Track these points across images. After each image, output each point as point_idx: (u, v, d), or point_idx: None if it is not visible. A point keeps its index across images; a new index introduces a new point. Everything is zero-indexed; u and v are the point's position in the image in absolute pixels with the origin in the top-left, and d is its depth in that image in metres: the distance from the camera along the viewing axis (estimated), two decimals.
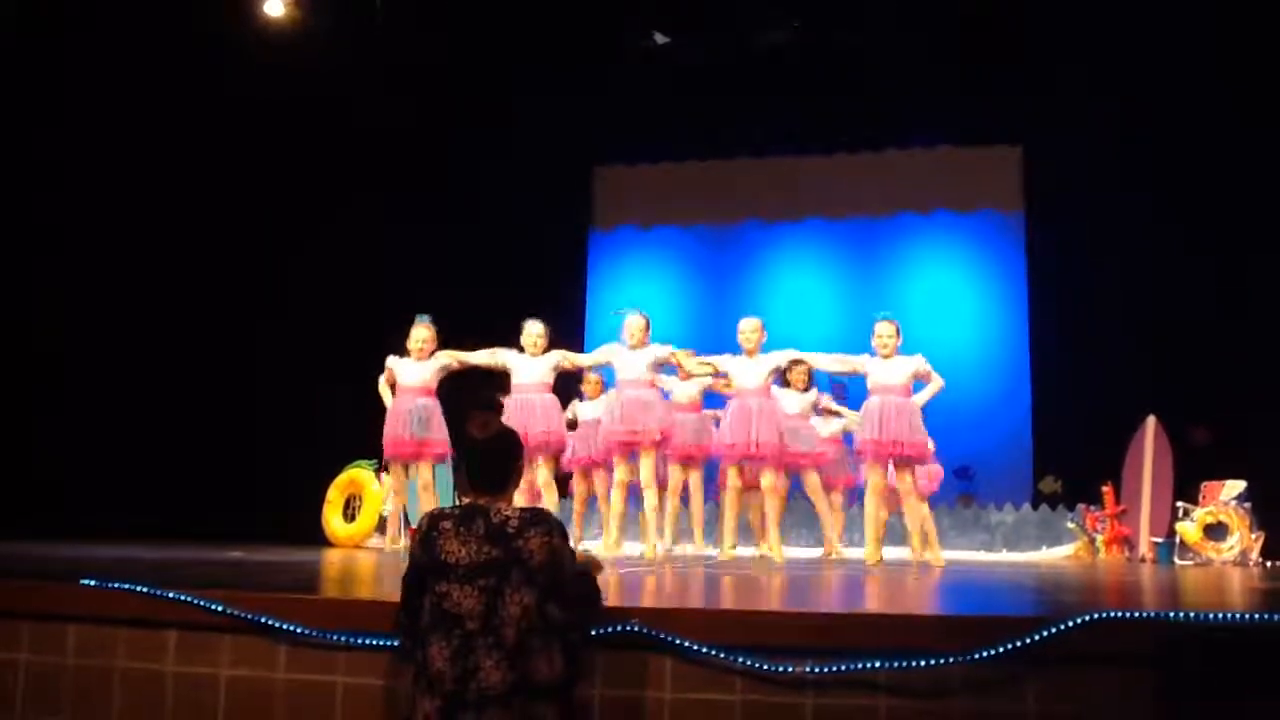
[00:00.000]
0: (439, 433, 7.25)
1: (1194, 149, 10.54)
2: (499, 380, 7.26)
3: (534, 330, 7.15)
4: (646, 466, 6.91)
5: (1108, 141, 11.07)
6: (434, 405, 7.25)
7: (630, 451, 7.03)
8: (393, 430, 7.18)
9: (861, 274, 12.87)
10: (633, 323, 7.03)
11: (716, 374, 7.25)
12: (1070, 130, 11.33)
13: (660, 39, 11.56)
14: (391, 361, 7.30)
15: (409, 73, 11.34)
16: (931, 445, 8.77)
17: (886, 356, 6.68)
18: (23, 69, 9.95)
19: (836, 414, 8.62)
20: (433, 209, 12.08)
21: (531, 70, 11.60)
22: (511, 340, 7.30)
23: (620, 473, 7.11)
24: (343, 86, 11.07)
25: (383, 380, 7.37)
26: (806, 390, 8.11)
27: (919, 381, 6.85)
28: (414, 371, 7.18)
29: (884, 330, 6.74)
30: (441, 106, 11.91)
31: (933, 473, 8.76)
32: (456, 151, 12.20)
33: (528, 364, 7.08)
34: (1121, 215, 11.01)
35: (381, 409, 7.39)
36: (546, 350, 7.18)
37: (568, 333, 11.93)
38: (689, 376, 7.56)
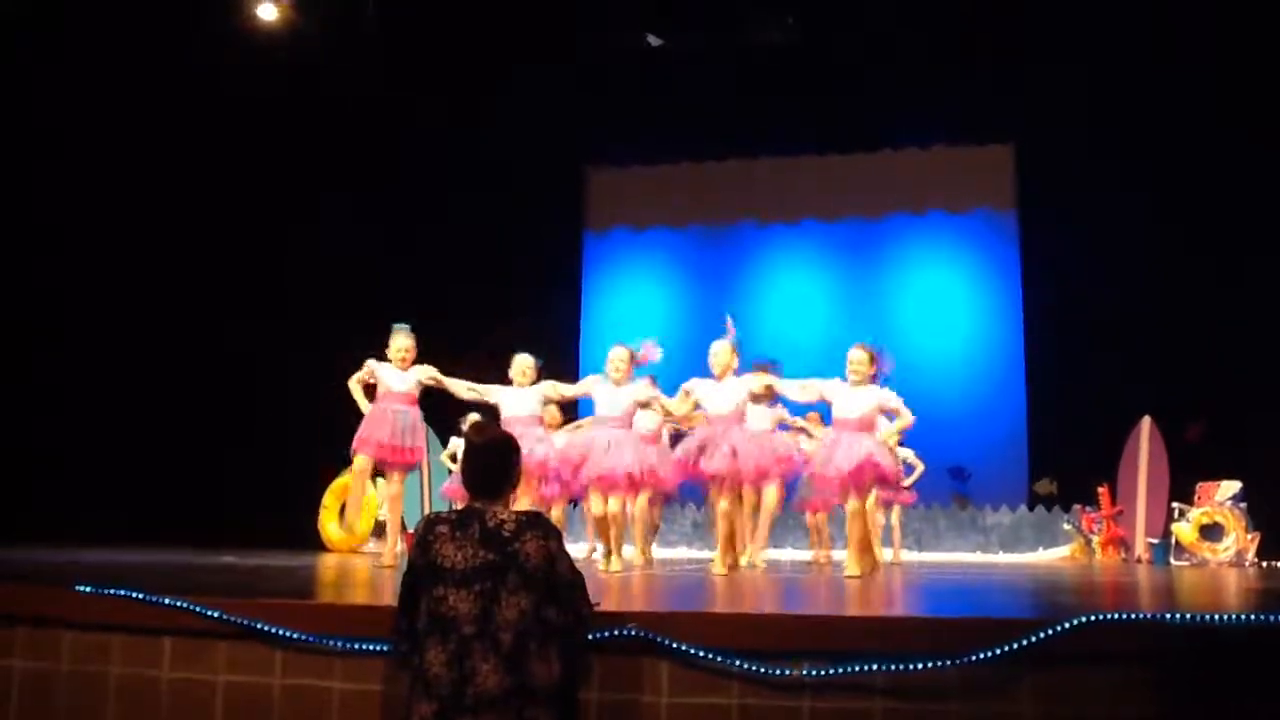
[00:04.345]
0: (418, 440, 7.20)
1: (1187, 148, 10.56)
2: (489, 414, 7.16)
3: (524, 363, 7.06)
4: (615, 503, 6.79)
5: (1101, 141, 11.09)
6: (418, 414, 7.20)
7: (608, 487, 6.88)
8: (371, 431, 6.98)
9: (856, 274, 12.90)
10: (617, 356, 6.89)
11: (697, 408, 7.08)
12: (1063, 130, 11.36)
13: (654, 41, 11.55)
14: (373, 364, 7.15)
15: (402, 75, 11.34)
16: (916, 472, 8.89)
17: (857, 384, 6.39)
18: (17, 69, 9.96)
19: (803, 431, 8.46)
20: (427, 211, 12.07)
21: (525, 72, 11.60)
22: (501, 354, 7.22)
23: (595, 506, 6.96)
24: (335, 88, 11.06)
25: (356, 380, 7.13)
26: (772, 404, 7.97)
27: (890, 415, 6.60)
28: (398, 378, 7.09)
29: (855, 357, 6.40)
30: (435, 109, 11.90)
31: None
32: (451, 154, 12.19)
33: (516, 396, 7.01)
34: (1115, 215, 11.03)
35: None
36: (535, 382, 7.11)
37: (562, 334, 11.98)
38: (667, 417, 7.41)
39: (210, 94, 10.65)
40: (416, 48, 11.22)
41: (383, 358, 7.16)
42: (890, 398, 6.44)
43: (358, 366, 7.24)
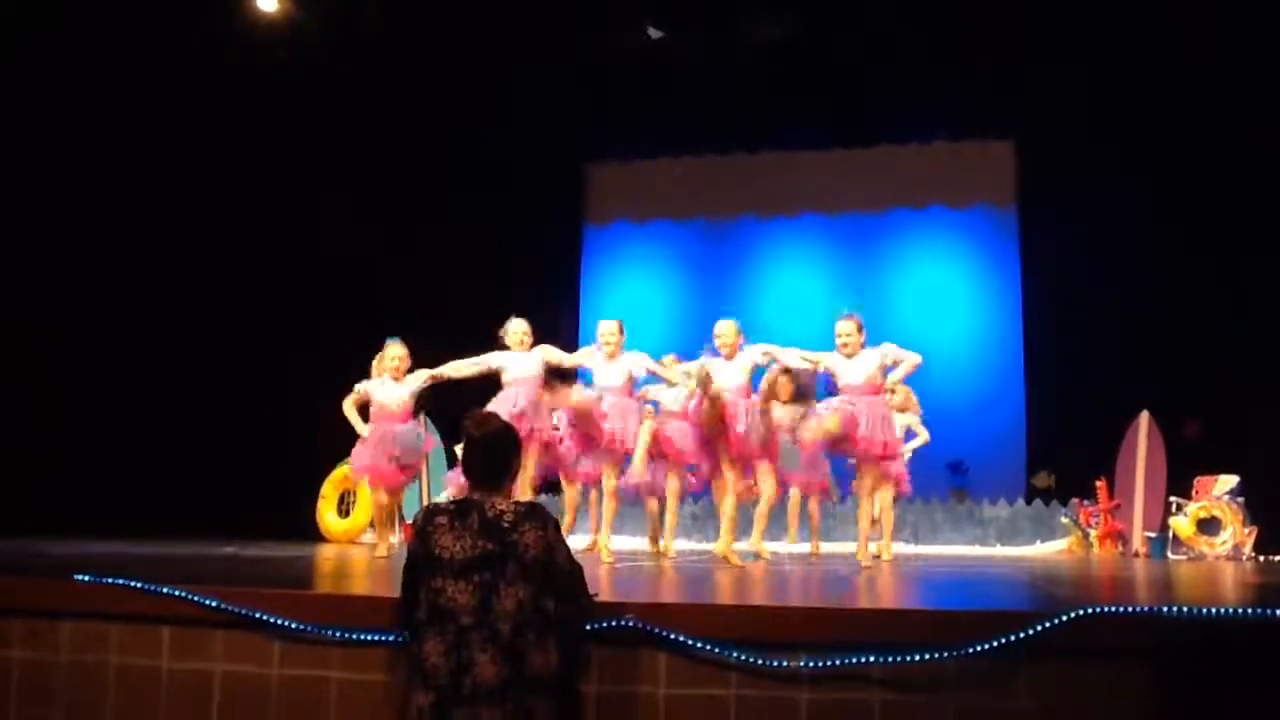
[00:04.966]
0: (417, 459, 7.24)
1: (1187, 144, 10.55)
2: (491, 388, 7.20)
3: (519, 328, 7.08)
4: (610, 474, 6.81)
5: (1101, 139, 11.08)
6: (414, 429, 7.23)
7: (598, 451, 6.92)
8: (375, 460, 7.02)
9: (856, 269, 12.88)
10: (607, 330, 6.93)
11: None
12: (1063, 126, 11.35)
13: (654, 34, 11.54)
14: (365, 385, 7.16)
15: (402, 71, 11.32)
16: (919, 438, 8.67)
17: (850, 355, 6.45)
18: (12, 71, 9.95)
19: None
20: (427, 211, 12.06)
21: (525, 67, 11.58)
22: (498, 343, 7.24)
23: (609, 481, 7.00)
24: (334, 84, 11.05)
25: (350, 403, 7.14)
26: (792, 401, 7.98)
27: (891, 369, 6.63)
28: (392, 393, 7.09)
29: (844, 329, 6.44)
30: (435, 104, 11.88)
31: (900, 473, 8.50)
32: (451, 154, 12.17)
33: (518, 360, 7.02)
34: (1114, 210, 11.03)
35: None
36: (532, 346, 7.14)
37: (563, 328, 11.96)
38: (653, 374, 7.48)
39: (210, 94, 10.63)
40: (416, 48, 11.20)
41: (368, 376, 7.17)
42: (889, 350, 6.45)
43: (355, 367, 7.24)
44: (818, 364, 6.67)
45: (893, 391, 7.22)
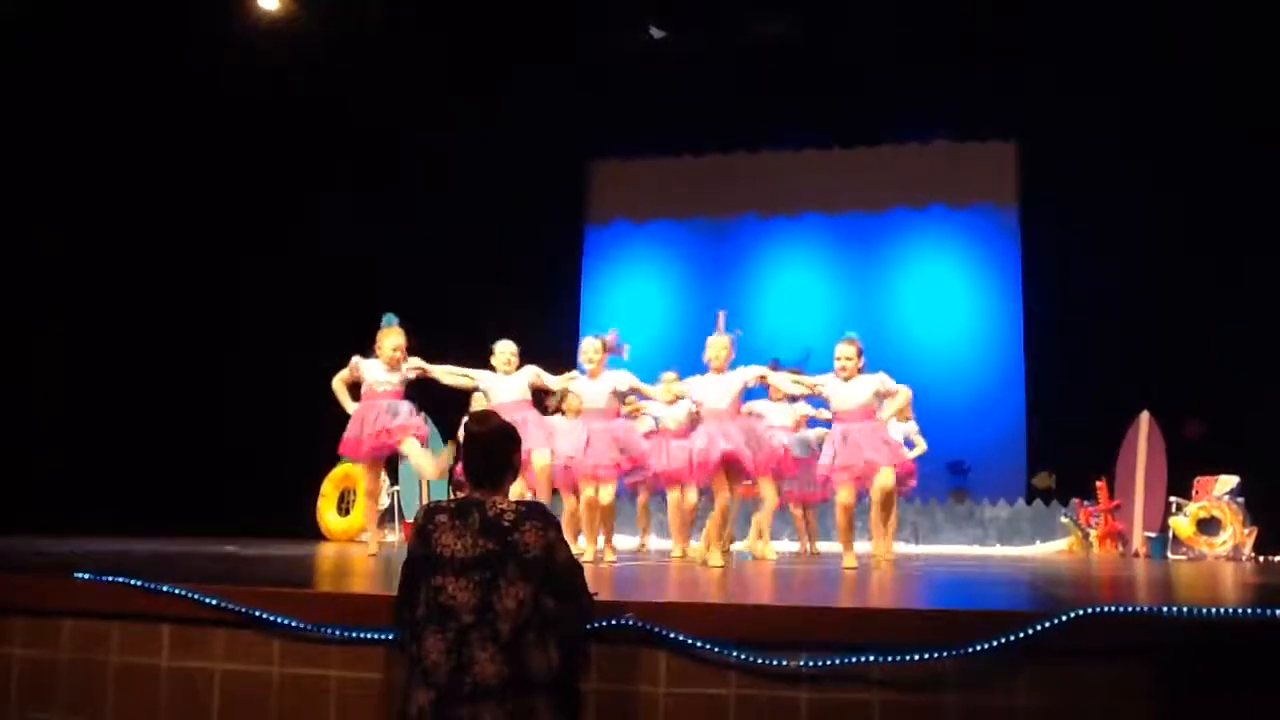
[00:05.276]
0: (408, 418, 7.12)
1: (1188, 145, 10.57)
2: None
3: (507, 349, 7.07)
4: (606, 493, 6.76)
5: (1102, 137, 11.09)
6: (402, 400, 7.14)
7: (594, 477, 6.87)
8: (354, 431, 6.88)
9: (857, 269, 12.90)
10: (589, 347, 6.87)
11: (680, 398, 7.08)
12: (1065, 126, 11.36)
13: (656, 33, 11.55)
14: (359, 362, 7.04)
15: (403, 70, 11.32)
16: (918, 448, 8.65)
17: (847, 379, 6.45)
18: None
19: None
20: (429, 206, 12.06)
21: (525, 66, 11.58)
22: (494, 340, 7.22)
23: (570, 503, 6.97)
24: (336, 84, 11.06)
25: (340, 380, 7.04)
26: (790, 400, 7.96)
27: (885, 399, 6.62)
28: (385, 376, 7.05)
29: (844, 352, 6.45)
30: (436, 104, 11.89)
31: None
32: (452, 148, 12.17)
33: (504, 382, 7.02)
34: (1116, 211, 11.04)
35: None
36: (519, 368, 7.11)
37: (563, 327, 11.97)
38: (674, 401, 7.43)
39: (210, 94, 10.64)
40: (417, 48, 11.21)
41: (368, 353, 7.11)
42: (885, 381, 6.47)
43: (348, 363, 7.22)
44: (813, 388, 6.70)
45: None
